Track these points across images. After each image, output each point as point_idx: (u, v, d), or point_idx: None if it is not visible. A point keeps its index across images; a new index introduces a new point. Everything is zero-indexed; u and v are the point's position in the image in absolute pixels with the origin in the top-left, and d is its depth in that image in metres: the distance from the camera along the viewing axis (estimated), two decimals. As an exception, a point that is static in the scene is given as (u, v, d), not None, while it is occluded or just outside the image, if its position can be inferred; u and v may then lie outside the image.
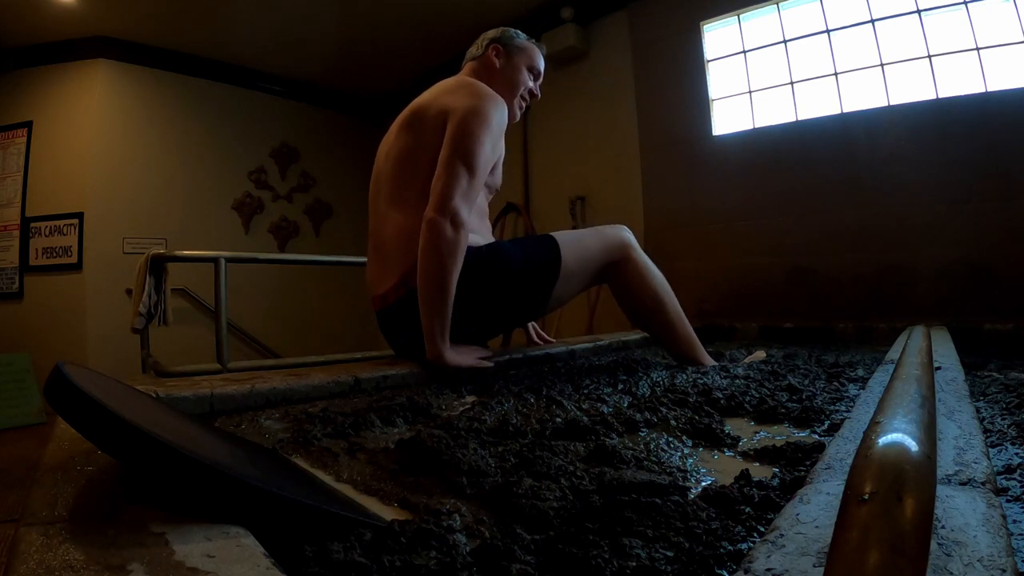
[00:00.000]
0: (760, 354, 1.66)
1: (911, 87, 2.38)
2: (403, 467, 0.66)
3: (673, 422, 0.83)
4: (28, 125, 3.63)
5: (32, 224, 3.59)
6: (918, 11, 2.36)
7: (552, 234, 1.43)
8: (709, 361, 1.46)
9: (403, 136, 1.37)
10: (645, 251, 1.53)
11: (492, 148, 1.32)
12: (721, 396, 0.99)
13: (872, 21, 2.49)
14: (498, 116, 1.33)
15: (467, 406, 0.97)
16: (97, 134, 3.61)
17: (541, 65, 1.58)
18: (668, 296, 1.49)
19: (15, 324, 3.55)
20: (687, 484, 0.60)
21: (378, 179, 1.44)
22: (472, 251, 1.31)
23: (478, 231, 1.42)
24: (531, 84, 1.57)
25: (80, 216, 3.54)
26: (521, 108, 1.57)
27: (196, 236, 3.90)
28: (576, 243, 1.42)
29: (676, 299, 1.50)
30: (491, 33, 1.55)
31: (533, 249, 1.38)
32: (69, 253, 3.54)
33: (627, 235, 1.49)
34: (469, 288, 1.28)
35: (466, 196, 1.24)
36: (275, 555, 0.37)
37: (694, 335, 1.48)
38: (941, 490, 0.41)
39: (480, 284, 1.31)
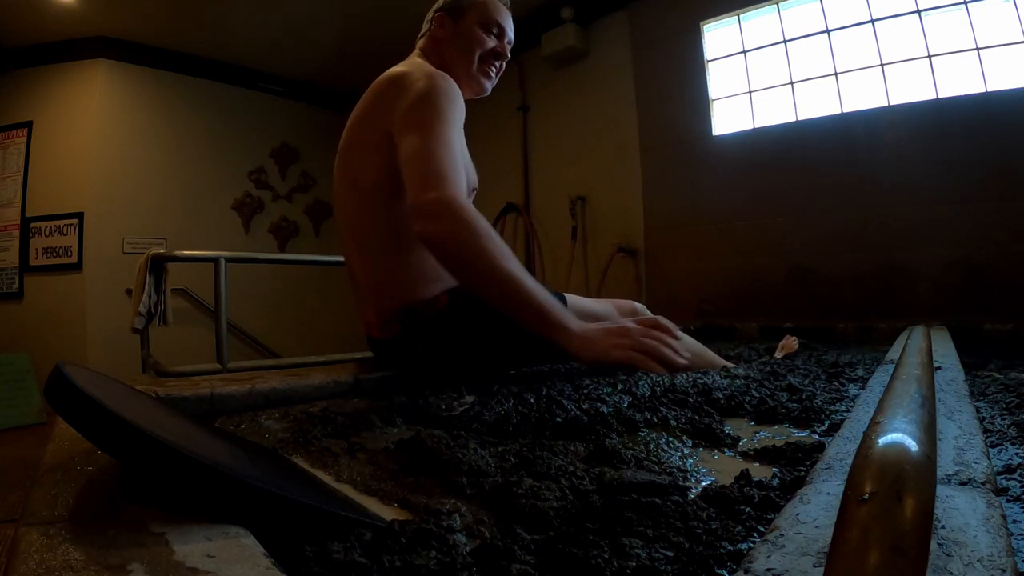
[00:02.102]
0: (792, 343, 1.66)
1: (911, 87, 2.39)
2: (403, 467, 0.66)
3: (673, 422, 0.83)
4: (28, 125, 3.63)
5: (32, 224, 3.59)
6: (918, 11, 2.36)
7: (562, 294, 1.27)
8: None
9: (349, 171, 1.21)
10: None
11: (458, 126, 1.14)
12: (721, 396, 0.99)
13: (872, 21, 2.49)
14: (445, 89, 1.12)
15: (467, 406, 0.97)
16: (97, 134, 3.61)
17: (501, 18, 1.31)
18: (701, 362, 1.35)
19: (15, 324, 3.55)
20: (687, 484, 0.60)
21: (342, 209, 1.25)
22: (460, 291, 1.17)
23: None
24: (491, 43, 1.30)
25: (80, 216, 3.54)
26: (489, 76, 1.33)
27: (196, 236, 3.90)
28: (579, 309, 1.26)
29: (707, 354, 1.38)
30: (437, 3, 1.32)
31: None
32: (69, 253, 3.54)
33: (636, 310, 1.37)
34: (465, 328, 1.15)
35: (456, 168, 1.04)
36: (275, 555, 0.37)
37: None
38: (941, 490, 0.41)
39: (474, 326, 1.17)
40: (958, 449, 0.53)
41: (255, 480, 0.43)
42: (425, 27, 1.34)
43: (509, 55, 1.36)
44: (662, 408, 0.90)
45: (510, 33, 1.35)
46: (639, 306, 1.39)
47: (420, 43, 1.34)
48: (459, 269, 0.98)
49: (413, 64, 1.22)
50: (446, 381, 1.14)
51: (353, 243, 1.23)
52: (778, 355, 1.68)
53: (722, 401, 0.97)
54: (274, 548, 0.39)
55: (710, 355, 1.38)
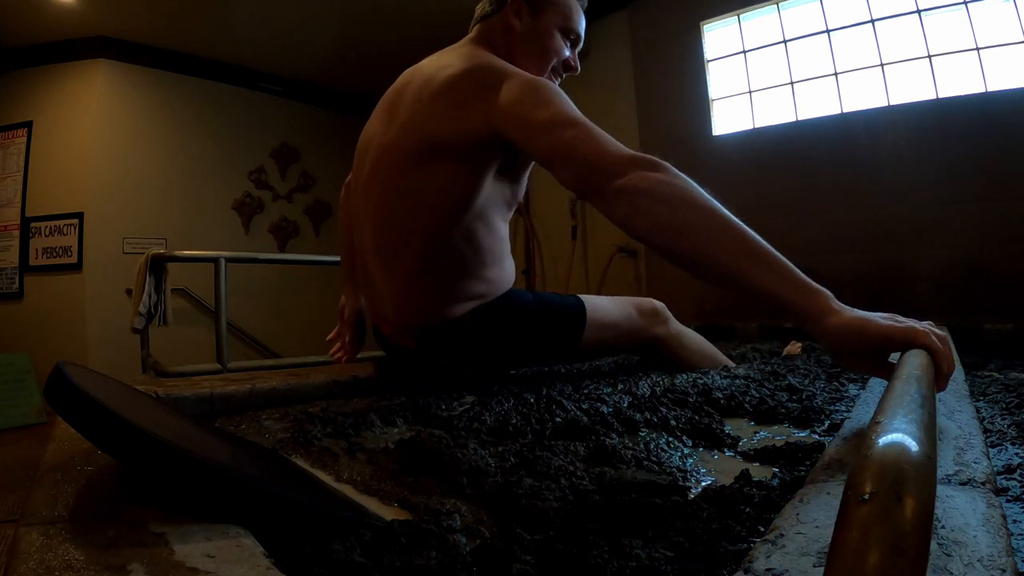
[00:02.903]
0: (796, 348, 1.66)
1: (911, 87, 2.39)
2: (403, 467, 0.66)
3: (673, 422, 0.83)
4: (28, 125, 3.63)
5: (32, 224, 3.59)
6: (918, 11, 2.36)
7: (583, 303, 1.21)
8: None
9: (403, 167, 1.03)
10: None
11: None
12: (721, 396, 0.99)
13: (872, 21, 2.49)
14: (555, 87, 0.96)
15: (467, 406, 0.97)
16: (97, 134, 3.61)
17: (580, 26, 1.18)
18: (709, 362, 1.34)
19: (15, 324, 3.55)
20: (687, 484, 0.60)
21: (367, 220, 1.12)
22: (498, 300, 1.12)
23: (503, 261, 1.15)
24: (567, 53, 1.17)
25: (80, 216, 3.54)
26: None
27: (196, 236, 3.90)
28: (600, 318, 1.22)
29: (718, 356, 1.37)
30: None
31: (554, 315, 1.18)
32: (69, 253, 3.54)
33: (658, 320, 1.30)
34: (491, 336, 1.11)
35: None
36: (275, 555, 0.37)
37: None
38: (941, 490, 0.41)
39: (501, 334, 1.13)
40: (958, 449, 0.53)
41: (255, 480, 0.43)
42: (487, 7, 1.14)
43: (578, 67, 1.21)
44: (662, 408, 0.91)
45: (581, 44, 1.21)
46: (659, 305, 1.31)
47: (479, 28, 1.15)
48: (683, 228, 0.74)
49: (479, 55, 1.03)
50: (451, 384, 1.14)
51: (383, 256, 1.09)
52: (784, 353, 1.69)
53: (722, 401, 0.97)
54: (274, 548, 0.39)
55: (720, 356, 1.38)
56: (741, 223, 0.72)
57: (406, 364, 1.20)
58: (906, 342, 0.58)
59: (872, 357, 0.62)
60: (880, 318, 0.62)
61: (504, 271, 1.14)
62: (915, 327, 0.59)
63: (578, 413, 0.88)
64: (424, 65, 1.11)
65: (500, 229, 1.12)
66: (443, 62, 1.05)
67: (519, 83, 0.94)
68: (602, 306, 1.24)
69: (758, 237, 0.71)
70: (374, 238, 1.10)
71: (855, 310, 0.63)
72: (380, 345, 1.27)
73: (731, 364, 1.38)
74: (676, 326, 1.33)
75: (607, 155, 0.82)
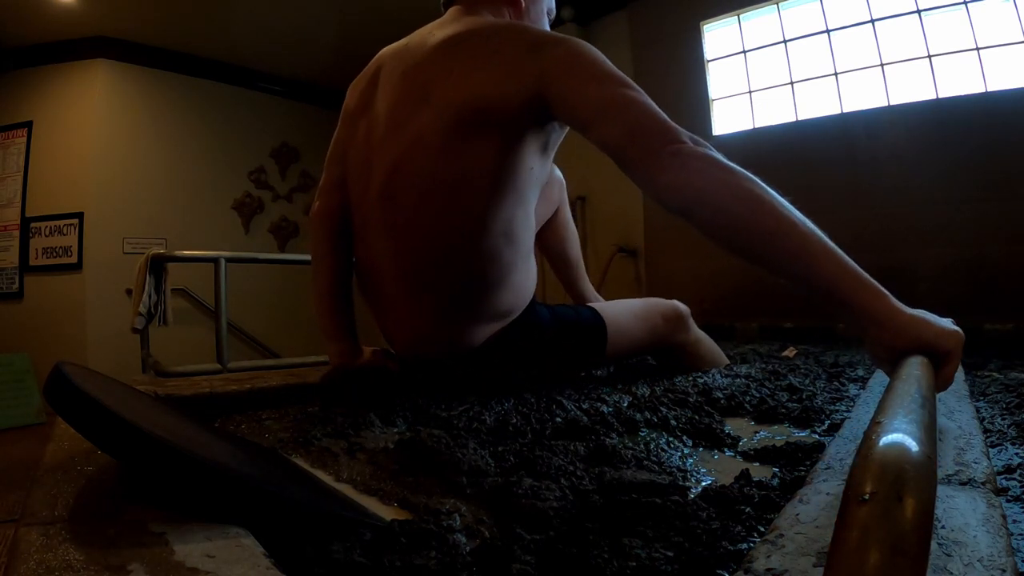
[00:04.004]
0: (791, 352, 1.67)
1: (911, 87, 2.39)
2: (403, 467, 0.66)
3: (673, 422, 0.83)
4: (28, 125, 3.63)
5: (32, 224, 3.59)
6: (918, 11, 2.36)
7: (601, 316, 1.15)
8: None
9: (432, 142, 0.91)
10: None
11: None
12: (721, 396, 0.99)
13: (872, 21, 2.49)
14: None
15: (466, 406, 0.97)
16: (97, 134, 3.61)
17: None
18: (718, 364, 1.34)
19: (15, 324, 3.55)
20: (687, 484, 0.60)
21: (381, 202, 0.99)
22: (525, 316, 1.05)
23: (530, 257, 1.06)
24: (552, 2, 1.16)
25: (80, 216, 3.54)
26: None
27: (196, 236, 3.90)
28: (619, 332, 1.16)
29: (720, 355, 1.36)
30: None
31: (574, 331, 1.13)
32: (69, 253, 3.54)
33: (682, 326, 1.26)
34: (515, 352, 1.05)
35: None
36: (275, 555, 0.37)
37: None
38: (941, 490, 0.41)
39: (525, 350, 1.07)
40: (958, 449, 0.53)
41: (255, 480, 0.43)
42: None
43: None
44: (662, 408, 0.90)
45: None
46: (684, 310, 1.27)
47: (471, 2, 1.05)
48: (735, 203, 0.70)
49: (505, 20, 1.00)
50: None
51: (413, 273, 0.98)
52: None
53: (722, 401, 0.97)
54: (274, 548, 0.39)
55: (722, 355, 1.38)
56: (796, 209, 0.69)
57: (427, 377, 1.10)
58: (956, 351, 0.59)
59: (931, 343, 0.59)
60: (933, 319, 0.61)
61: (531, 269, 1.06)
62: (960, 333, 0.61)
63: (578, 413, 0.88)
64: (428, 39, 0.99)
65: (532, 217, 1.03)
66: (458, 30, 0.96)
67: (568, 43, 0.89)
68: (624, 323, 1.18)
69: (814, 226, 0.68)
70: (400, 252, 0.97)
71: (908, 309, 0.61)
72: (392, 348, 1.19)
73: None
74: (696, 332, 1.30)
75: (662, 120, 0.79)
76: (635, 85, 0.84)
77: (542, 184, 1.04)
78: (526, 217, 1.00)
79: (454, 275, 0.96)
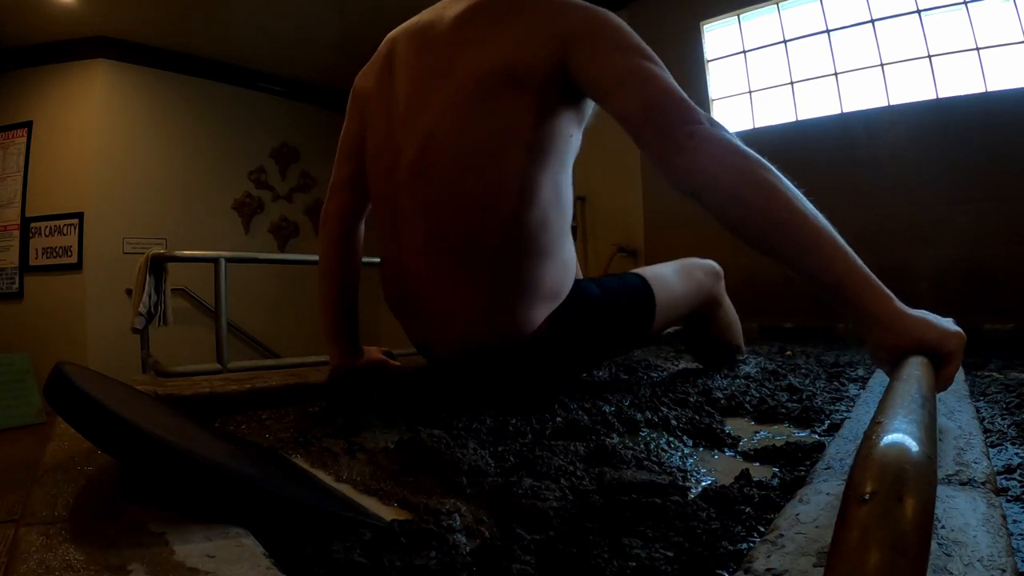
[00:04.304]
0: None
1: (911, 87, 2.39)
2: (403, 467, 0.66)
3: (674, 422, 0.83)
4: (28, 125, 3.63)
5: (32, 224, 3.59)
6: (918, 11, 2.36)
7: (648, 283, 1.09)
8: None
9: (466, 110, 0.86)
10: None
11: None
12: (721, 396, 0.99)
13: (872, 21, 2.49)
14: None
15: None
16: (97, 134, 3.61)
17: None
18: (739, 340, 1.34)
19: (15, 324, 3.55)
20: (687, 484, 0.60)
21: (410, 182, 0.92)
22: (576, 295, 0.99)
23: (573, 251, 1.01)
24: None
25: (80, 216, 3.54)
26: None
27: (196, 236, 3.90)
28: (668, 297, 1.12)
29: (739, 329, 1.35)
30: None
31: (623, 302, 1.07)
32: (69, 253, 3.54)
33: (719, 285, 1.25)
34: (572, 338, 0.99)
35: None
36: (275, 555, 0.37)
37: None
38: (941, 490, 0.41)
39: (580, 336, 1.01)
40: (958, 449, 0.53)
41: (255, 480, 0.43)
42: None
43: None
44: (663, 408, 0.90)
45: None
46: (718, 266, 1.26)
47: None
48: (753, 207, 0.68)
49: None
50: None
51: (449, 251, 0.91)
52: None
53: (722, 401, 0.97)
54: (274, 548, 0.39)
55: (740, 328, 1.37)
56: (809, 202, 0.69)
57: (463, 379, 1.03)
58: (957, 352, 0.59)
59: (934, 344, 0.59)
60: (935, 320, 0.61)
61: (571, 244, 1.01)
62: (962, 334, 0.61)
63: (579, 412, 0.88)
64: (444, 13, 0.96)
65: (571, 187, 0.98)
66: (476, 1, 0.93)
67: (593, 10, 0.86)
68: (670, 281, 1.14)
69: (826, 220, 0.67)
70: (439, 233, 0.91)
71: (911, 311, 0.61)
72: (426, 356, 1.11)
73: (743, 349, 1.37)
74: (726, 296, 1.29)
75: (681, 98, 0.77)
76: (658, 60, 0.82)
77: (576, 153, 0.99)
78: (569, 185, 0.95)
79: (503, 248, 0.88)
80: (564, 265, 0.96)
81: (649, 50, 0.83)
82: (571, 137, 0.93)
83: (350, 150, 1.09)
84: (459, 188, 0.88)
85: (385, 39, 1.07)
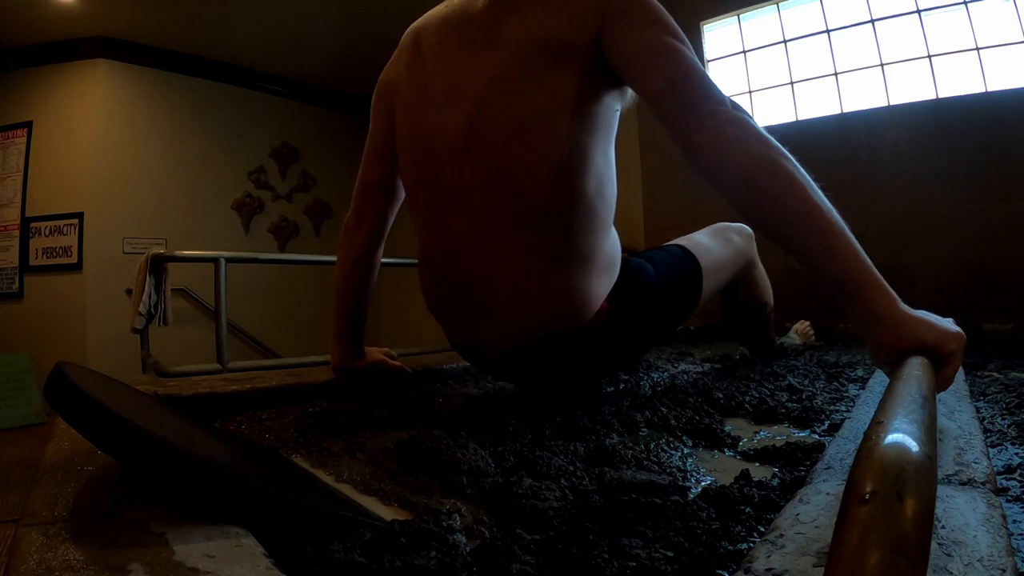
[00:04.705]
0: (806, 328, 1.79)
1: (911, 87, 2.39)
2: (403, 467, 0.66)
3: (673, 422, 0.83)
4: (28, 125, 3.63)
5: (32, 224, 3.59)
6: (918, 11, 2.36)
7: (691, 252, 1.09)
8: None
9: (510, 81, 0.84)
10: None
11: None
12: (721, 396, 0.99)
13: (872, 21, 2.49)
14: None
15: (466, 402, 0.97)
16: (97, 134, 3.61)
17: None
18: (769, 297, 1.35)
19: (15, 324, 3.55)
20: (687, 484, 0.60)
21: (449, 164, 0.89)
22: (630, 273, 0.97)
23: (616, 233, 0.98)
24: None
25: (80, 216, 3.54)
26: None
27: (196, 236, 3.90)
28: (713, 264, 1.12)
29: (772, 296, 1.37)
30: None
31: (673, 274, 1.06)
32: (69, 253, 3.54)
33: (753, 246, 1.27)
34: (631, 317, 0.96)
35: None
36: (275, 555, 0.37)
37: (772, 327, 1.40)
38: (941, 490, 0.41)
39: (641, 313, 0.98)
40: (958, 449, 0.53)
41: (255, 480, 0.43)
42: None
43: None
44: (662, 408, 0.90)
45: None
46: (748, 227, 1.26)
47: None
48: (768, 194, 0.68)
49: None
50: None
51: (502, 232, 0.87)
52: (796, 340, 1.75)
53: (722, 401, 0.97)
54: (274, 548, 0.39)
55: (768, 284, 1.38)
56: (824, 195, 0.68)
57: (518, 374, 1.00)
58: (958, 353, 0.59)
59: (935, 344, 0.59)
60: (935, 320, 0.61)
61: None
62: (962, 335, 0.61)
63: (578, 412, 0.88)
64: None
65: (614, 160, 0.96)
66: None
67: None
68: (712, 251, 1.14)
69: (839, 215, 0.66)
70: (491, 204, 0.87)
71: (912, 311, 0.61)
72: (471, 360, 1.07)
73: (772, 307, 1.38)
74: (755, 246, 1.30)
75: (706, 79, 0.77)
76: (687, 41, 0.81)
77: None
78: (613, 158, 0.94)
79: (564, 217, 0.86)
80: (615, 239, 0.96)
81: (679, 31, 0.82)
82: (615, 112, 0.92)
83: (381, 149, 1.06)
84: (514, 159, 0.85)
85: (407, 32, 1.05)
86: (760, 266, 1.32)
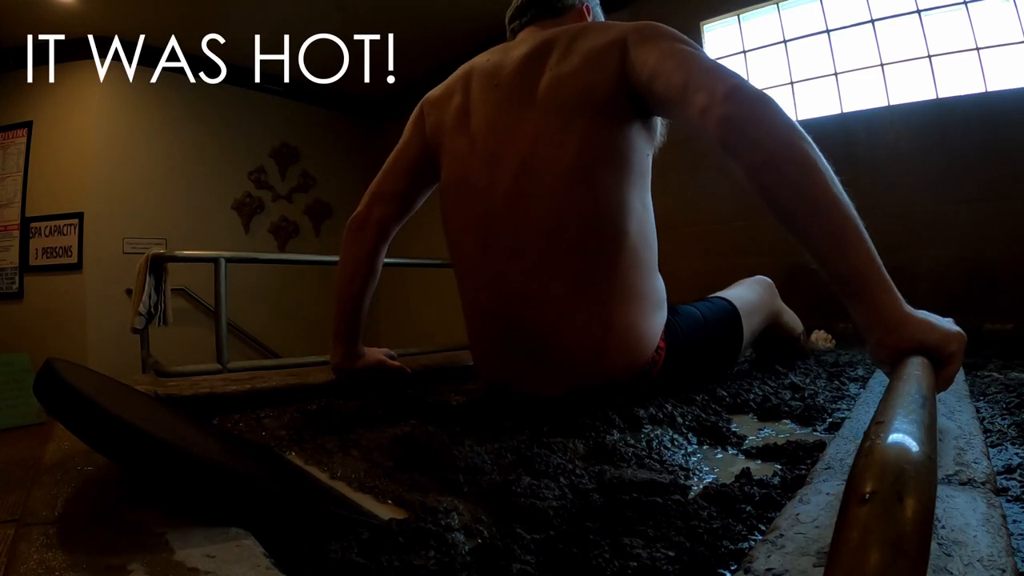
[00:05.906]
0: (822, 335, 1.80)
1: (911, 87, 2.38)
2: (398, 464, 0.65)
3: (679, 419, 0.83)
4: (28, 125, 3.63)
5: (32, 224, 3.59)
6: (918, 11, 2.36)
7: (724, 298, 1.18)
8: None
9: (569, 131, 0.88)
10: None
11: None
12: (725, 394, 0.99)
13: (872, 21, 2.49)
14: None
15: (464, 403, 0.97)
16: (97, 134, 3.61)
17: None
18: (800, 328, 1.46)
19: (15, 324, 3.55)
20: (688, 482, 0.60)
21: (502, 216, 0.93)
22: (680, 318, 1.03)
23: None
24: None
25: (80, 216, 3.54)
26: None
27: (196, 236, 3.90)
28: (747, 307, 1.19)
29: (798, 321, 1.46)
30: None
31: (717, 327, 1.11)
32: (69, 253, 3.54)
33: (777, 298, 1.36)
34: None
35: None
36: (275, 555, 0.37)
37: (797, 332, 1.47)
38: (941, 490, 0.41)
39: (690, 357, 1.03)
40: (958, 449, 0.52)
41: (253, 479, 0.43)
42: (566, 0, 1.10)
43: None
44: (667, 405, 0.90)
45: None
46: (767, 279, 1.36)
47: (573, 12, 1.10)
48: (788, 180, 0.67)
49: (578, 25, 1.00)
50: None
51: (561, 270, 0.89)
52: (820, 345, 1.82)
53: (727, 399, 0.97)
54: (274, 548, 0.39)
55: (797, 319, 1.46)
56: (842, 188, 0.67)
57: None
58: (958, 353, 0.60)
59: (936, 345, 0.59)
60: (937, 321, 0.61)
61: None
62: (963, 335, 0.61)
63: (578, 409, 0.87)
64: (512, 52, 1.00)
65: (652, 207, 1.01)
66: (544, 38, 0.97)
67: (645, 21, 0.92)
68: (748, 304, 1.20)
69: (854, 210, 0.65)
70: (550, 249, 0.89)
71: (914, 312, 0.61)
72: (506, 404, 0.97)
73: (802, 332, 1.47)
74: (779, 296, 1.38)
75: (728, 69, 0.78)
76: (701, 49, 0.85)
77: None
78: (651, 204, 0.99)
79: (617, 260, 0.89)
80: (661, 280, 1.00)
81: (693, 42, 0.86)
82: (647, 157, 0.96)
83: (407, 167, 1.11)
84: (561, 209, 0.89)
85: (463, 67, 1.08)
86: (787, 311, 1.40)
